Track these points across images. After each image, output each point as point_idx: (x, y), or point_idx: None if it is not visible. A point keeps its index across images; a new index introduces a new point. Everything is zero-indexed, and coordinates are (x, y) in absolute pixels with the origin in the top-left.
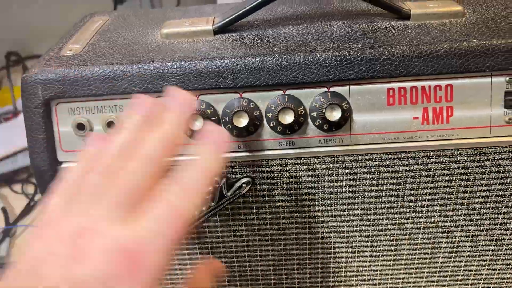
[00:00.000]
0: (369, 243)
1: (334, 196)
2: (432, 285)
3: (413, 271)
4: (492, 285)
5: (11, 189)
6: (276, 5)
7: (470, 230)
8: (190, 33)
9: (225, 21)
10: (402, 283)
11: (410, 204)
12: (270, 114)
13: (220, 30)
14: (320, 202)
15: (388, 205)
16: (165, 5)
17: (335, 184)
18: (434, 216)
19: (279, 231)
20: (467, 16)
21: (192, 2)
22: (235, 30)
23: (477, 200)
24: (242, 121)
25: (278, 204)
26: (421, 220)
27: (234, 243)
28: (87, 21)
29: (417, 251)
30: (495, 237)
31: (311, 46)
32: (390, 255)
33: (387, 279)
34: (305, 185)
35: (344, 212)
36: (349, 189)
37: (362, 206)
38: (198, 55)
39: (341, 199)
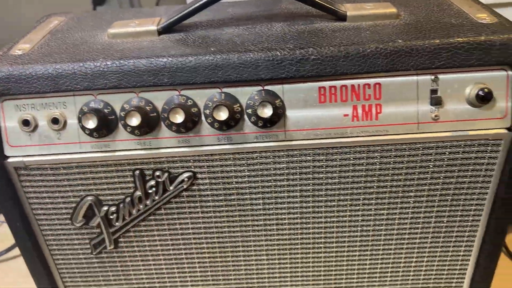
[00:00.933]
0: (310, 235)
1: (273, 190)
2: (375, 276)
3: (356, 262)
4: (433, 275)
5: None
6: (226, 6)
7: (406, 223)
8: (135, 33)
9: (168, 22)
10: (346, 274)
11: (346, 197)
12: (207, 110)
13: (164, 31)
14: (261, 195)
15: (325, 198)
16: (144, 5)
17: (274, 178)
18: (371, 210)
19: (224, 224)
20: (402, 18)
21: (171, 2)
22: (180, 30)
23: (411, 194)
24: (178, 117)
25: (220, 198)
26: (358, 213)
27: (180, 235)
28: (43, 22)
29: (358, 244)
30: (431, 230)
31: (246, 46)
32: (332, 247)
33: (331, 269)
34: (245, 179)
35: (284, 205)
36: (287, 183)
37: (300, 199)
38: (138, 54)
39: (280, 193)
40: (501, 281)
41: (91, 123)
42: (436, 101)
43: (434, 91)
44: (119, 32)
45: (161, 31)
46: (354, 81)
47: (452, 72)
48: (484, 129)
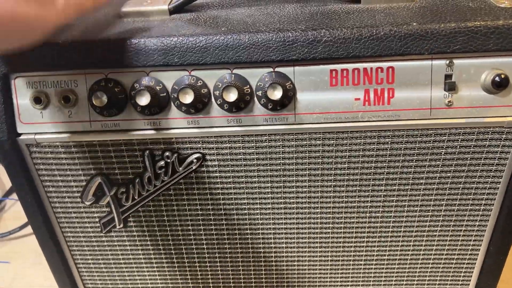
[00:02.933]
0: (318, 220)
1: (282, 173)
2: (383, 263)
3: (363, 249)
4: (442, 262)
5: (3, 165)
6: None
7: (416, 210)
8: (146, 13)
9: (180, 1)
10: (353, 260)
11: (355, 183)
12: (217, 92)
13: (175, 10)
14: (269, 179)
15: (334, 183)
16: None
17: (282, 162)
18: (380, 196)
19: (232, 206)
20: (417, 1)
21: None
22: (191, 10)
23: (421, 181)
24: (188, 98)
25: (229, 180)
26: (367, 199)
27: (189, 216)
28: None
29: (366, 230)
30: (441, 218)
31: (257, 26)
32: (340, 232)
33: (338, 255)
34: (253, 162)
35: (292, 189)
36: (296, 166)
37: (309, 184)
38: (149, 33)
39: (289, 177)
40: None
41: (102, 101)
42: (450, 87)
43: (448, 76)
44: (131, 10)
45: (172, 11)
46: (367, 65)
47: (468, 57)
48: (499, 117)
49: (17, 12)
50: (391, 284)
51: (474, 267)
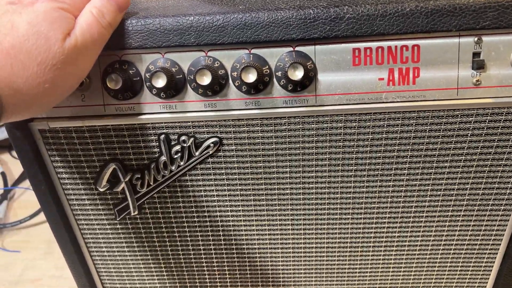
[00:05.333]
0: (338, 206)
1: (301, 157)
2: (403, 249)
3: (384, 232)
4: (466, 245)
5: (11, 155)
6: None
7: (439, 194)
8: None
9: None
10: (373, 247)
11: (377, 166)
12: (235, 73)
13: None
14: (288, 163)
15: (355, 167)
16: None
17: (302, 146)
18: (403, 180)
19: (249, 192)
20: None
21: None
22: None
23: (446, 164)
24: (205, 79)
25: (246, 165)
26: (389, 183)
27: (205, 203)
28: None
29: (387, 215)
30: (465, 202)
31: (277, 4)
32: (360, 218)
33: (358, 241)
34: (272, 146)
35: (312, 174)
36: (316, 150)
37: (329, 168)
38: (163, 12)
39: (308, 161)
40: None
41: (116, 84)
42: (479, 65)
43: (476, 54)
44: None
45: None
46: (391, 43)
47: (498, 33)
48: None
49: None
50: (411, 273)
51: (497, 253)
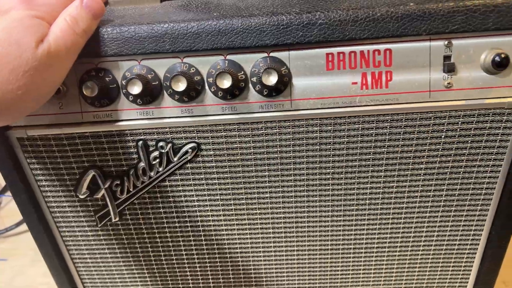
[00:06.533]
0: (317, 208)
1: (279, 161)
2: (383, 251)
3: (364, 236)
4: (444, 250)
5: None
6: None
7: (416, 196)
8: (136, 0)
9: None
10: (354, 244)
11: (354, 169)
12: (211, 79)
13: None
14: (266, 167)
15: (332, 170)
16: None
17: (279, 149)
18: (380, 182)
19: (229, 196)
20: None
21: None
22: None
23: (422, 165)
24: (181, 86)
25: (225, 169)
26: (366, 186)
27: (185, 208)
28: None
29: (366, 217)
30: (442, 203)
31: (250, 10)
32: (339, 220)
33: (338, 243)
34: (250, 151)
35: (290, 177)
36: (293, 154)
37: (307, 171)
38: (139, 20)
39: (286, 165)
40: None
41: (92, 92)
42: (449, 68)
43: (447, 57)
44: None
45: None
46: (364, 47)
47: (467, 37)
48: (500, 98)
49: (81, 43)
50: (392, 273)
51: (476, 252)
